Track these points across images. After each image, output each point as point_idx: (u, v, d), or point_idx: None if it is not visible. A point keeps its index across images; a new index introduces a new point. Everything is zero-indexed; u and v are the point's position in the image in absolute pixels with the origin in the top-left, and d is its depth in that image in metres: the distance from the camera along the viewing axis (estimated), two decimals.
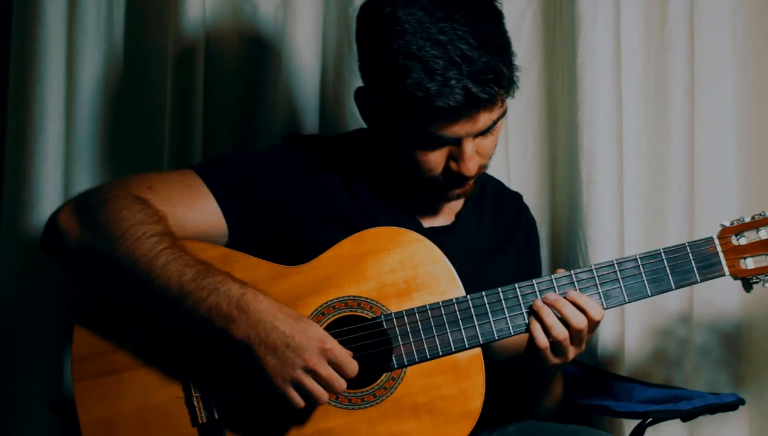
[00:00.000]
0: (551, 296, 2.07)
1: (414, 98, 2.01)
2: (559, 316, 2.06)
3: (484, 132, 2.10)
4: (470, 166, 2.10)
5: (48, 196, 2.57)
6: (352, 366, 1.97)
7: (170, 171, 2.40)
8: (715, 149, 2.86)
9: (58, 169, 2.60)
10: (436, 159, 2.11)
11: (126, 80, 2.72)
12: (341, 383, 1.96)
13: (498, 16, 2.10)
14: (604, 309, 2.10)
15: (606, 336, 2.64)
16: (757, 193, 2.84)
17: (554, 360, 2.10)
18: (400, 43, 2.02)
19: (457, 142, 2.09)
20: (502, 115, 2.12)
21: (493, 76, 2.03)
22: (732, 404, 2.30)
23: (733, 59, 2.86)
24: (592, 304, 2.07)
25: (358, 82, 2.67)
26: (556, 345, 2.08)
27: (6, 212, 2.63)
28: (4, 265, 2.61)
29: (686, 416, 2.30)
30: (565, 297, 2.07)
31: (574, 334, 2.07)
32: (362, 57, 2.16)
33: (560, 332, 2.06)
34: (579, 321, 2.06)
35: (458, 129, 2.06)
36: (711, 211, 2.83)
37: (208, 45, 2.65)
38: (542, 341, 2.07)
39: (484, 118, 2.07)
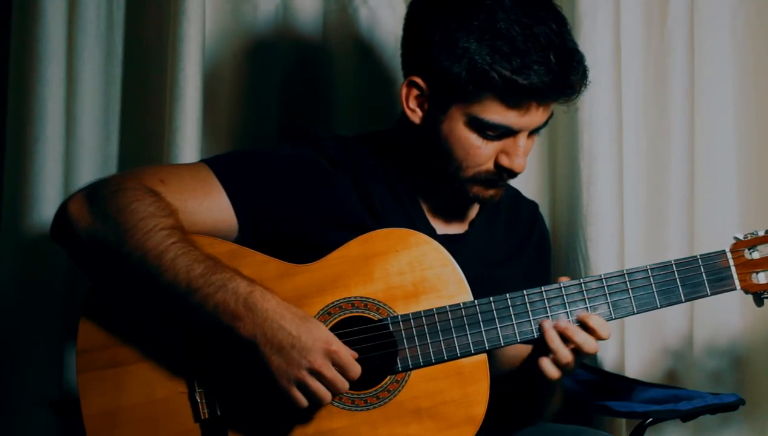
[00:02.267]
0: (562, 322, 2.08)
1: (497, 76, 2.04)
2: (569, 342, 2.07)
3: (538, 129, 2.14)
4: (521, 162, 2.14)
5: (48, 196, 2.56)
6: (356, 369, 1.97)
7: (183, 164, 2.41)
8: (715, 149, 2.87)
9: (58, 170, 2.59)
10: (488, 152, 2.13)
11: (126, 80, 2.72)
12: (344, 385, 1.96)
13: (566, 19, 2.13)
14: (613, 319, 2.11)
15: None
16: (757, 194, 2.85)
17: (557, 376, 2.11)
18: (488, 23, 2.05)
19: (514, 135, 2.11)
20: (551, 116, 2.15)
21: (577, 65, 2.07)
22: (732, 404, 2.31)
23: (733, 59, 2.86)
24: (600, 323, 2.08)
25: (358, 82, 2.68)
26: (563, 368, 2.09)
27: (6, 212, 2.62)
28: (4, 265, 2.60)
29: (686, 416, 2.30)
30: (576, 321, 2.08)
31: (583, 356, 2.09)
32: (426, 41, 2.13)
33: (565, 356, 2.07)
34: (591, 347, 2.08)
35: (527, 117, 2.09)
36: (711, 211, 2.84)
37: (207, 45, 2.64)
38: (552, 371, 2.08)
39: (549, 112, 2.12)
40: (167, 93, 2.61)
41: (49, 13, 2.57)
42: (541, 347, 2.09)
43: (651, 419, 2.29)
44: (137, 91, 2.72)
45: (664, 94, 2.77)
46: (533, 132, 2.15)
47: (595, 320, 2.07)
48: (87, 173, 2.66)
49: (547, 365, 2.07)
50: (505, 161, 2.14)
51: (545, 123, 2.15)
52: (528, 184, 2.72)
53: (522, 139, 2.12)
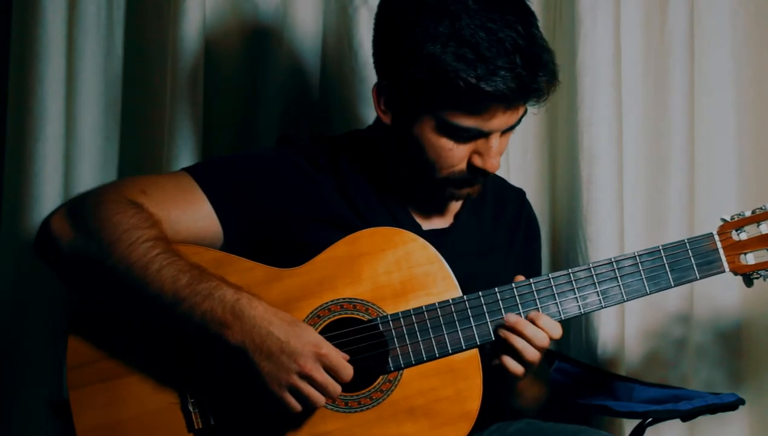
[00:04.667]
0: (512, 317, 2.07)
1: (463, 84, 2.01)
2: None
3: (511, 128, 2.12)
4: (495, 162, 2.12)
5: (48, 196, 2.58)
6: (347, 371, 1.97)
7: (164, 174, 2.40)
8: (715, 149, 2.85)
9: (58, 170, 2.60)
10: (461, 154, 2.11)
11: (126, 80, 2.72)
12: (336, 388, 1.96)
13: (535, 16, 2.11)
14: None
15: (606, 336, 2.63)
16: (757, 193, 2.84)
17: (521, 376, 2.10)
18: (452, 30, 2.02)
19: (486, 136, 2.09)
20: (525, 113, 2.13)
21: (544, 67, 2.04)
22: (732, 404, 2.31)
23: (733, 59, 2.85)
24: (552, 324, 2.07)
25: (359, 82, 2.68)
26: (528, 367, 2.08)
27: (6, 212, 2.64)
28: (4, 265, 2.62)
29: (686, 416, 2.30)
30: (526, 317, 2.07)
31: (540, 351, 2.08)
32: (391, 47, 2.12)
33: (533, 355, 2.06)
34: (540, 341, 2.06)
35: (496, 121, 2.07)
36: (711, 211, 2.82)
37: (207, 45, 2.65)
38: (515, 367, 2.08)
39: (520, 112, 2.10)
40: (167, 93, 2.62)
41: (49, 13, 2.59)
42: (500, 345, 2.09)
43: (651, 419, 2.29)
44: (137, 91, 2.73)
45: (664, 94, 2.75)
46: (506, 131, 2.13)
47: (544, 320, 2.07)
48: (87, 173, 2.67)
49: (509, 361, 2.07)
50: (478, 162, 2.12)
51: (518, 121, 2.13)
52: (528, 184, 2.72)
53: (494, 140, 2.10)
